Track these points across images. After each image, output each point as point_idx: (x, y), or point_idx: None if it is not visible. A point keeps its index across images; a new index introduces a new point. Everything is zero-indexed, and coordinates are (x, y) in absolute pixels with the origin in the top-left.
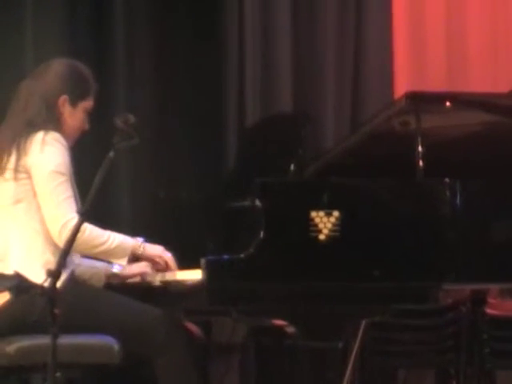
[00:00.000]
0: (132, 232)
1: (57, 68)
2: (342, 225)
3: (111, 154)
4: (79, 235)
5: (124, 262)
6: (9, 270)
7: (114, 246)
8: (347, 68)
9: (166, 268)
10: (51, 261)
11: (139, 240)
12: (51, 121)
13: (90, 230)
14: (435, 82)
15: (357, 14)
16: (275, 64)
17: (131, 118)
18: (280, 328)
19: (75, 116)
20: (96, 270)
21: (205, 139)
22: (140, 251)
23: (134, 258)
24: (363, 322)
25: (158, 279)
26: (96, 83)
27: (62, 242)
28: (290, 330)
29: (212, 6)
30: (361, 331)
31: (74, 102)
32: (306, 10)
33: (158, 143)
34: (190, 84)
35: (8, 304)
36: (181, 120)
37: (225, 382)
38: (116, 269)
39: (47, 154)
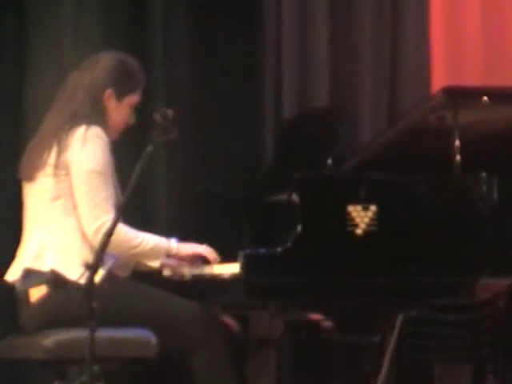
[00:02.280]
0: (168, 227)
1: (105, 61)
2: (379, 219)
3: (149, 148)
4: (114, 237)
5: (157, 263)
6: (45, 267)
7: (148, 248)
8: (384, 63)
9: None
10: (88, 258)
11: (173, 241)
12: (96, 114)
13: (125, 232)
14: (472, 77)
15: (394, 8)
16: (312, 59)
17: (170, 113)
18: (317, 322)
19: (120, 110)
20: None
21: (242, 134)
22: (174, 252)
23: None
24: (400, 317)
25: (195, 273)
26: (145, 78)
27: (96, 242)
28: (327, 324)
29: (250, 4)
30: (397, 326)
31: (119, 96)
32: (344, 4)
33: (195, 138)
34: (228, 80)
35: (45, 298)
36: (218, 115)
37: (261, 376)
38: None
39: (87, 152)
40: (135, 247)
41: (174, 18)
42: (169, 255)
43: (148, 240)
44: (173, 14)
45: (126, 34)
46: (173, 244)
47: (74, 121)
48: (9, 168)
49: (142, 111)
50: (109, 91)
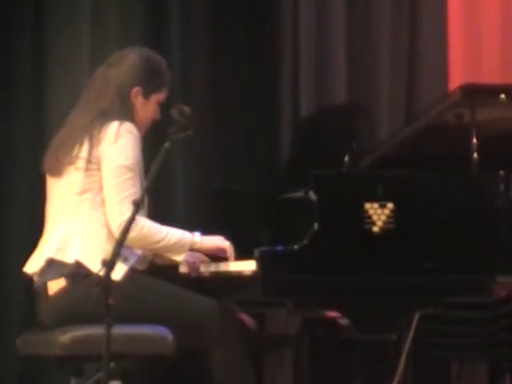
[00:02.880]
0: (186, 222)
1: (132, 58)
2: (396, 217)
3: (167, 144)
4: (137, 232)
5: (181, 257)
6: (68, 259)
7: (172, 242)
8: (402, 60)
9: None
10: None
11: (197, 234)
12: (124, 111)
13: (148, 227)
14: (490, 75)
15: (411, 5)
16: (329, 56)
17: (187, 110)
18: (333, 320)
19: (147, 108)
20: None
21: (259, 131)
22: (198, 246)
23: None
24: (417, 315)
25: (211, 270)
26: (170, 75)
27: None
28: (344, 322)
29: (267, 3)
30: (414, 323)
31: (146, 94)
32: (361, 2)
33: (212, 135)
34: (246, 77)
35: (62, 291)
36: (236, 112)
37: (278, 374)
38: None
39: (119, 147)
40: (159, 241)
41: (192, 18)
42: (193, 249)
43: (172, 234)
44: (191, 14)
45: (143, 42)
46: (197, 238)
47: (104, 117)
48: (26, 167)
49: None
50: (136, 89)
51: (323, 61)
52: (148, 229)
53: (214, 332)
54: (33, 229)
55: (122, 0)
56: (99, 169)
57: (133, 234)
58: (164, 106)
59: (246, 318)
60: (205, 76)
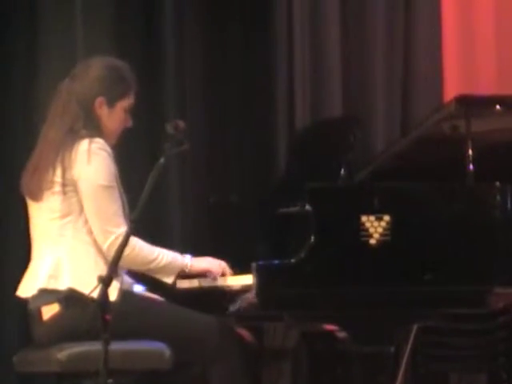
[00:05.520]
0: (182, 238)
1: (94, 69)
2: (393, 229)
3: (162, 160)
4: (129, 252)
5: (171, 280)
6: (62, 286)
7: (162, 264)
8: (396, 72)
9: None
10: (104, 272)
11: (187, 257)
12: (90, 124)
13: (139, 248)
14: (485, 85)
15: (406, 17)
16: (324, 68)
17: (181, 124)
18: (331, 333)
19: (114, 117)
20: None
21: (254, 144)
22: (188, 269)
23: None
24: (415, 327)
25: (208, 284)
26: (135, 78)
27: (111, 257)
28: (342, 334)
29: (262, 9)
30: (412, 335)
31: (111, 103)
32: (355, 12)
33: (208, 149)
34: (240, 90)
35: (57, 316)
36: (230, 125)
37: None
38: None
39: (94, 167)
40: (150, 262)
41: (186, 28)
42: (183, 272)
43: (163, 255)
44: (184, 23)
45: (136, 47)
46: (187, 260)
47: (71, 135)
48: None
49: (153, 123)
50: (99, 99)
51: (318, 73)
52: (139, 249)
53: (212, 348)
54: (29, 248)
55: None
56: (76, 190)
57: (124, 253)
58: (159, 122)
59: (244, 333)
60: (199, 90)
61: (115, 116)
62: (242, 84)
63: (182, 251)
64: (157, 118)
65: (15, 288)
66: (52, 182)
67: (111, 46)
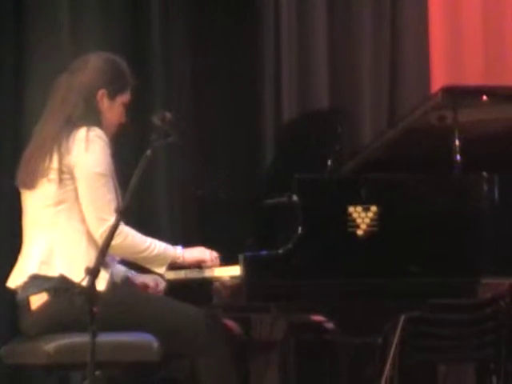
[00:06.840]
0: (170, 230)
1: (95, 62)
2: (380, 220)
3: (148, 152)
4: (121, 240)
5: (162, 270)
6: (53, 272)
7: (154, 254)
8: (384, 63)
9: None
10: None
11: (179, 248)
12: (90, 115)
13: (132, 236)
14: (472, 76)
15: (393, 8)
16: (311, 60)
17: (168, 116)
18: (319, 324)
19: (113, 110)
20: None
21: (242, 137)
22: (180, 260)
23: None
24: (402, 317)
25: (196, 276)
26: (133, 76)
27: None
28: (329, 325)
29: (248, 6)
30: (399, 326)
31: (112, 96)
32: (342, 5)
33: (195, 141)
34: (227, 82)
35: (45, 306)
36: (217, 118)
37: (265, 378)
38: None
39: (91, 154)
40: (141, 252)
41: (173, 21)
42: (175, 263)
43: (155, 246)
44: (171, 18)
45: (123, 40)
46: (179, 252)
47: (70, 124)
48: (7, 174)
49: (140, 114)
50: (102, 91)
51: (305, 65)
52: (132, 238)
53: (200, 339)
54: (16, 241)
55: None
56: (72, 178)
57: (116, 242)
58: (146, 114)
59: (231, 324)
60: (187, 82)
61: (115, 109)
62: (229, 76)
63: (171, 243)
64: (144, 110)
65: (3, 280)
66: (48, 169)
67: (98, 40)
